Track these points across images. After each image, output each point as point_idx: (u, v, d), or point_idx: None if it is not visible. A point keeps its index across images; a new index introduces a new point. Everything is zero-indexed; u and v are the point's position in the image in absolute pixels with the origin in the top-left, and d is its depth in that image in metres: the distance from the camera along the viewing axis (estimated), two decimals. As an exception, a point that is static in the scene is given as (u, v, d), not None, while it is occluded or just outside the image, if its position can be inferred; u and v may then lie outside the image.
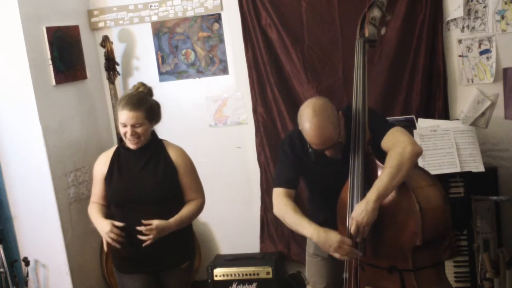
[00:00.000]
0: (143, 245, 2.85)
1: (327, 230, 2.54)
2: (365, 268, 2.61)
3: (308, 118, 2.51)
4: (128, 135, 2.91)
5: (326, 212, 2.72)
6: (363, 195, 2.49)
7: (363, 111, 2.59)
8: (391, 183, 2.42)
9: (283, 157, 2.79)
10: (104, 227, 2.92)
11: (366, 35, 2.63)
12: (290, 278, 4.10)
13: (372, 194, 2.43)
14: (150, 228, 2.84)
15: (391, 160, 2.45)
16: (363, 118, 2.58)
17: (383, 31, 2.70)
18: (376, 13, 2.66)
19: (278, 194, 2.73)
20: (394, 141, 2.51)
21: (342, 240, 2.48)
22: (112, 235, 2.88)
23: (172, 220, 2.93)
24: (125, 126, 2.90)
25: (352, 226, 2.45)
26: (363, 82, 2.65)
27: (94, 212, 3.05)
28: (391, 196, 2.47)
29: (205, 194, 3.14)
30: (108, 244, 2.92)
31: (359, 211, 2.43)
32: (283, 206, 2.69)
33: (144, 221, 2.85)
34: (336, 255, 2.50)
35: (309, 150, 2.61)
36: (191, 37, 4.33)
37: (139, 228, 2.84)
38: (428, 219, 2.42)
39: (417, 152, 2.48)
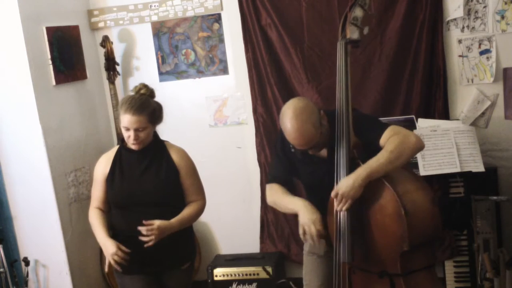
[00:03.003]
0: (145, 246, 2.84)
1: (312, 210, 2.59)
2: (356, 272, 2.61)
3: (289, 120, 2.52)
4: (131, 139, 2.89)
5: (320, 209, 2.73)
6: None
7: (346, 116, 2.56)
8: (386, 167, 2.43)
9: (275, 157, 2.87)
10: (109, 248, 2.90)
11: (348, 36, 2.59)
12: (280, 286, 4.05)
13: (363, 171, 2.43)
14: (152, 228, 2.83)
15: (392, 145, 2.45)
16: (346, 123, 2.56)
17: (365, 30, 2.64)
18: (358, 13, 2.60)
19: (269, 187, 2.84)
20: (397, 132, 2.51)
21: (311, 222, 2.54)
22: (117, 258, 2.86)
23: (174, 220, 2.92)
24: (128, 130, 2.89)
25: (336, 197, 2.47)
26: (346, 85, 2.61)
27: (97, 225, 3.01)
28: (377, 200, 2.47)
29: (205, 194, 3.14)
30: (109, 264, 2.92)
31: (346, 185, 2.44)
32: (273, 192, 2.79)
33: (145, 222, 2.83)
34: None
35: (292, 149, 2.66)
36: (191, 37, 4.33)
37: (140, 228, 2.83)
38: (415, 223, 2.40)
39: (420, 146, 2.50)
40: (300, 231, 2.58)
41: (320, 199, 2.69)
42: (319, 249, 2.82)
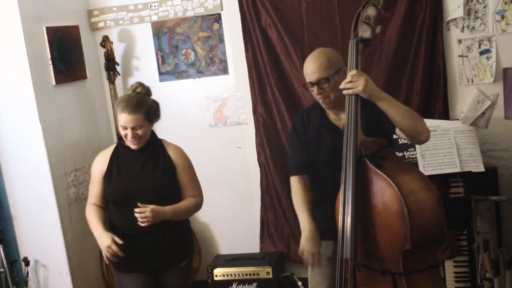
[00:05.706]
0: (138, 222, 2.84)
1: (312, 237, 2.77)
2: (360, 269, 2.61)
3: (310, 54, 2.77)
4: (129, 137, 2.92)
5: (325, 190, 2.80)
6: (354, 197, 2.49)
7: (355, 114, 2.55)
8: (396, 108, 2.54)
9: (294, 138, 2.93)
10: (104, 240, 2.93)
11: (360, 35, 2.60)
12: (284, 279, 4.06)
13: (383, 93, 2.55)
14: (145, 210, 2.82)
15: (414, 112, 2.62)
16: (355, 120, 2.55)
17: (378, 29, 2.65)
18: (370, 11, 2.60)
19: (293, 182, 2.92)
20: None
21: (302, 249, 2.76)
22: (111, 251, 2.89)
23: (168, 207, 2.93)
24: (125, 128, 2.92)
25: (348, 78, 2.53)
26: None
27: (93, 219, 3.04)
28: (382, 199, 2.47)
29: (204, 194, 3.14)
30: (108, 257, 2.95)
31: (364, 78, 2.49)
32: (293, 194, 2.91)
33: (140, 204, 2.84)
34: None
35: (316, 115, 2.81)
36: (191, 37, 4.33)
37: (135, 210, 2.83)
38: (418, 223, 2.40)
39: (428, 136, 2.64)
40: (300, 251, 2.80)
41: (329, 181, 2.75)
42: (326, 250, 2.83)
